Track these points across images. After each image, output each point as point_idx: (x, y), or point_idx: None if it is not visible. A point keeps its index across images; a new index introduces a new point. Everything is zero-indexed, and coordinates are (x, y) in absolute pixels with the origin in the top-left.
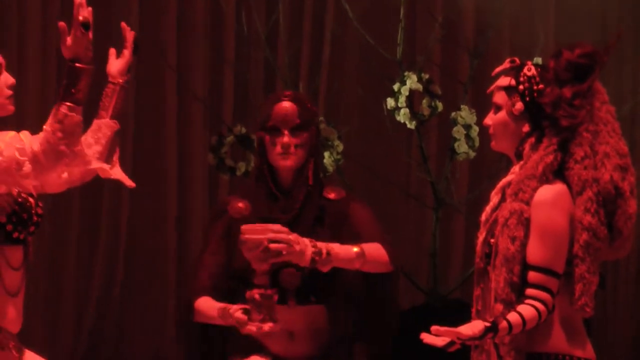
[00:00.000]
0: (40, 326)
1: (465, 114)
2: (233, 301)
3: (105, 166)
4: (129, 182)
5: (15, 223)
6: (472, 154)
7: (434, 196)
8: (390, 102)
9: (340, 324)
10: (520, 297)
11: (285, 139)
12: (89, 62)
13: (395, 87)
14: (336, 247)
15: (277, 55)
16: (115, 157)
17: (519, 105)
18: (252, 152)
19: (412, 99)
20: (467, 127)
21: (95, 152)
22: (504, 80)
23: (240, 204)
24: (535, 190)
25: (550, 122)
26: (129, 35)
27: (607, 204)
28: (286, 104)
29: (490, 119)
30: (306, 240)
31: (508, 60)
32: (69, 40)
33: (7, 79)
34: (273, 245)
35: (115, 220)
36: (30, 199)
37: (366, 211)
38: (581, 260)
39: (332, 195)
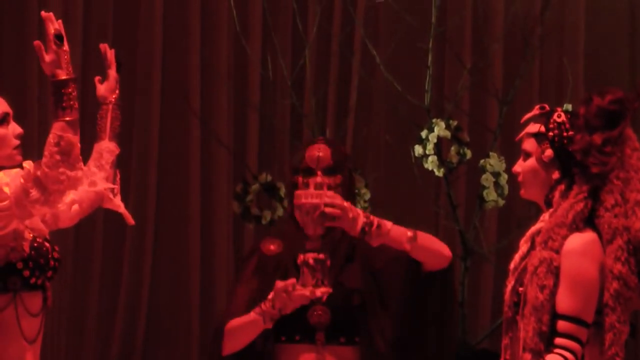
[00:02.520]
0: None
1: (494, 162)
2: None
3: (112, 186)
4: (130, 219)
5: (32, 268)
6: (501, 202)
7: (462, 245)
8: (418, 150)
9: None
10: (549, 347)
11: (318, 178)
12: (71, 74)
13: (423, 134)
14: (389, 224)
15: (304, 101)
16: (117, 189)
17: (549, 152)
18: (277, 201)
19: (441, 147)
20: (496, 174)
21: (101, 178)
22: (534, 127)
23: (273, 245)
24: (565, 238)
25: (580, 170)
26: (110, 54)
27: (638, 253)
28: (319, 146)
29: (519, 167)
30: (359, 211)
31: (537, 106)
32: (46, 56)
33: (15, 128)
34: (328, 209)
35: (137, 269)
36: (47, 244)
37: None
38: (612, 309)
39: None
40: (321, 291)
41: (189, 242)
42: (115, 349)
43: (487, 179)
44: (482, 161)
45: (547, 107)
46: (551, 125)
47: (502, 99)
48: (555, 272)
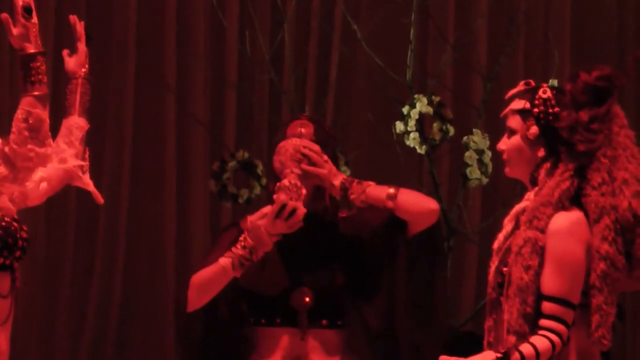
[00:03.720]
0: (33, 354)
1: (478, 139)
2: (239, 321)
3: (82, 163)
4: (99, 198)
5: (0, 248)
6: (485, 180)
7: (445, 224)
8: (400, 126)
9: (358, 352)
10: (534, 329)
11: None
12: (39, 47)
13: (405, 110)
14: (370, 182)
15: (283, 77)
16: (86, 166)
17: (534, 129)
18: (255, 179)
19: (423, 123)
20: (480, 152)
21: (71, 155)
22: (519, 103)
23: (253, 218)
24: (550, 217)
25: (567, 147)
26: (79, 27)
27: (626, 232)
28: (302, 122)
29: (504, 144)
30: (332, 165)
31: (522, 82)
32: (14, 30)
33: None
34: (306, 150)
35: (111, 250)
36: (15, 223)
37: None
38: (598, 290)
39: (345, 214)
40: (293, 204)
41: (164, 222)
42: (89, 332)
43: (470, 157)
44: (465, 138)
45: (533, 83)
46: (536, 102)
47: (486, 75)
48: (540, 252)
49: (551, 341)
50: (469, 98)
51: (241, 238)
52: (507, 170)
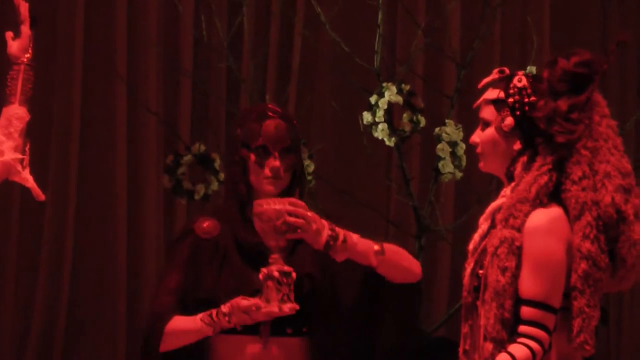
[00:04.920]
0: None
1: (451, 130)
2: None
3: (21, 157)
4: (39, 194)
5: None
6: (459, 175)
7: (416, 222)
8: (367, 117)
9: None
10: (513, 335)
11: (277, 162)
12: None
13: (372, 99)
14: (355, 237)
15: (241, 64)
16: (26, 160)
17: (509, 120)
18: (212, 174)
19: (392, 114)
20: (453, 144)
21: (10, 147)
22: (492, 93)
23: (208, 224)
24: (527, 215)
25: (544, 139)
26: (23, 8)
27: (609, 230)
28: (277, 123)
29: (477, 137)
30: (324, 222)
31: (496, 70)
32: None
33: None
34: (291, 219)
35: (58, 250)
36: None
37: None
38: (580, 292)
39: None
40: (288, 307)
41: (115, 220)
42: (34, 338)
43: (442, 149)
44: (437, 129)
45: (507, 71)
46: (511, 91)
47: (460, 62)
48: (518, 253)
49: (530, 349)
50: (442, 86)
51: (225, 310)
52: (481, 165)
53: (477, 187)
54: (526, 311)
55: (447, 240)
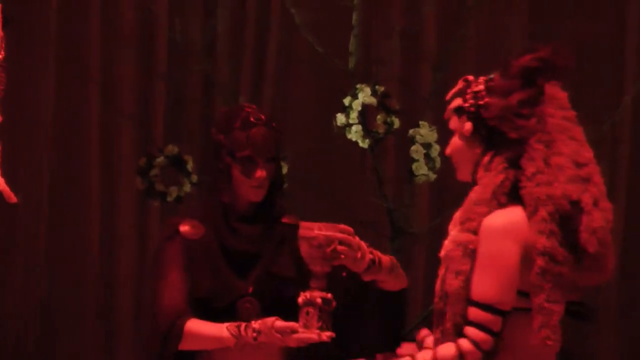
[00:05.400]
0: None
1: (425, 132)
2: None
3: None
4: (11, 197)
5: None
6: (433, 177)
7: (390, 225)
8: (341, 119)
9: None
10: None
11: (264, 172)
12: None
13: (346, 101)
14: (382, 256)
15: (216, 67)
16: None
17: (467, 125)
18: (184, 176)
19: (366, 115)
20: (427, 146)
21: None
22: (456, 102)
23: (193, 228)
24: (484, 216)
25: (499, 138)
26: None
27: (568, 222)
28: (263, 132)
29: (449, 147)
30: (365, 246)
31: (461, 79)
32: None
33: None
34: (341, 248)
35: (30, 253)
36: None
37: None
38: (539, 289)
39: (290, 221)
40: (327, 335)
41: (88, 222)
42: (7, 343)
43: (417, 151)
44: (411, 131)
45: (471, 78)
46: (467, 96)
47: (436, 64)
48: (472, 256)
49: (460, 349)
50: (417, 88)
51: (255, 326)
52: (457, 174)
53: (452, 189)
54: (472, 312)
55: (422, 242)
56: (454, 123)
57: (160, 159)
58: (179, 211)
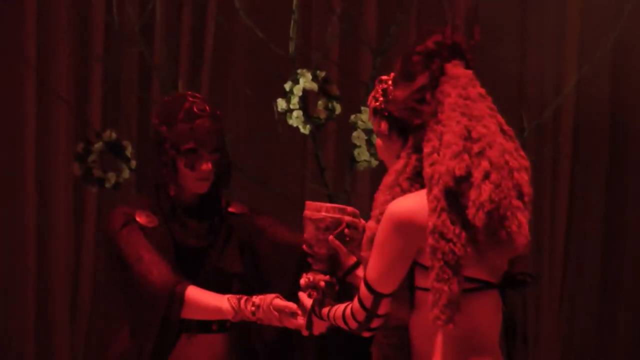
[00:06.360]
0: None
1: (366, 117)
2: None
3: None
4: None
5: None
6: (375, 163)
7: None
8: (282, 104)
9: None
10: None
11: (209, 165)
12: None
13: (287, 86)
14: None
15: (153, 50)
16: None
17: (383, 125)
18: (123, 161)
19: (307, 101)
20: (369, 132)
21: None
22: (371, 105)
23: (147, 217)
24: (385, 204)
25: (406, 126)
26: None
27: (458, 198)
28: (208, 124)
29: (377, 152)
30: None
31: (376, 81)
32: None
33: None
34: (348, 231)
35: None
36: None
37: (279, 223)
38: (430, 268)
39: (237, 209)
40: (322, 329)
41: (23, 208)
42: None
43: (358, 137)
44: (353, 117)
45: (385, 78)
46: (377, 95)
47: (376, 49)
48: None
49: (344, 312)
50: (357, 73)
51: (256, 301)
52: None
53: None
54: (362, 287)
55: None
56: (375, 126)
57: (98, 145)
58: (120, 199)
